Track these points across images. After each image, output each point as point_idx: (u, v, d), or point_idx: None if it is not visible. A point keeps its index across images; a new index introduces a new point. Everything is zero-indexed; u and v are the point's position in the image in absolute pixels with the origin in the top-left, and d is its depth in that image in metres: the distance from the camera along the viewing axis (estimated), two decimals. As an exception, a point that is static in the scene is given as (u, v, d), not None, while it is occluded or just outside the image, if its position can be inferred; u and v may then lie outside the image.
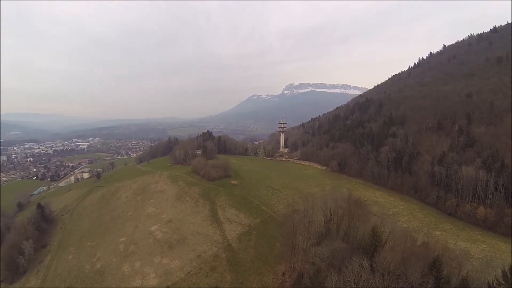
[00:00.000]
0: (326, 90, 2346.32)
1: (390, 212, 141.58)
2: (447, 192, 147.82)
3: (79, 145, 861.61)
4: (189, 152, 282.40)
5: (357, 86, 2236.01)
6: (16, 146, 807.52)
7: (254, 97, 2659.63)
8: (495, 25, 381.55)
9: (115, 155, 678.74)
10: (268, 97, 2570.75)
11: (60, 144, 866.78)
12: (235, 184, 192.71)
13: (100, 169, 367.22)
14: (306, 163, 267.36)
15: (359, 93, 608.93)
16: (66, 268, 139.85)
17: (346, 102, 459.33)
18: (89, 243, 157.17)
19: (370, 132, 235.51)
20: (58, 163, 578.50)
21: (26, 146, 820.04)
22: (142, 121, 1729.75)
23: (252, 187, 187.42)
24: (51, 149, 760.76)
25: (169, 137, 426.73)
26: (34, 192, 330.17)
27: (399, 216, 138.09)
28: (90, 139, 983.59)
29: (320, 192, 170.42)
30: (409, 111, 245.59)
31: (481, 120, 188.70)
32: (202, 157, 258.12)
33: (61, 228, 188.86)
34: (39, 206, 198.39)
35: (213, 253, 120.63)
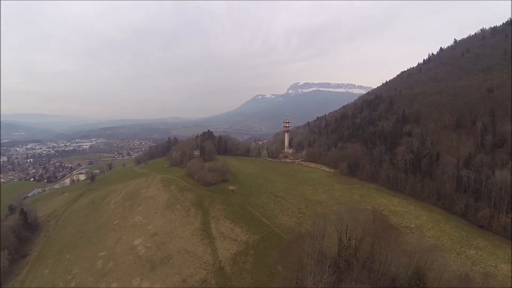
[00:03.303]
0: (331, 89, 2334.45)
1: (413, 225, 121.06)
2: (477, 200, 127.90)
3: (82, 145, 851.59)
4: (186, 153, 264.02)
5: (362, 85, 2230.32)
6: (18, 147, 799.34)
7: (259, 97, 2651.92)
8: (510, 18, 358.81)
9: (117, 156, 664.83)
10: (273, 96, 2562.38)
11: (63, 144, 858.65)
12: (232, 190, 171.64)
13: (97, 171, 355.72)
14: (313, 165, 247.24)
15: (364, 92, 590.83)
16: (40, 285, 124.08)
17: (351, 101, 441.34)
18: (68, 256, 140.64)
19: (383, 131, 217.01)
20: (58, 164, 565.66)
21: (29, 146, 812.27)
22: (147, 121, 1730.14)
23: (252, 194, 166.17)
24: (52, 150, 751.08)
25: (169, 137, 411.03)
26: (28, 194, 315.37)
27: (424, 229, 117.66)
28: (93, 139, 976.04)
29: (330, 199, 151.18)
30: (423, 108, 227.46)
31: (506, 117, 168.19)
32: (199, 158, 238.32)
33: (45, 236, 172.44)
34: (22, 212, 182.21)
35: (201, 277, 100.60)
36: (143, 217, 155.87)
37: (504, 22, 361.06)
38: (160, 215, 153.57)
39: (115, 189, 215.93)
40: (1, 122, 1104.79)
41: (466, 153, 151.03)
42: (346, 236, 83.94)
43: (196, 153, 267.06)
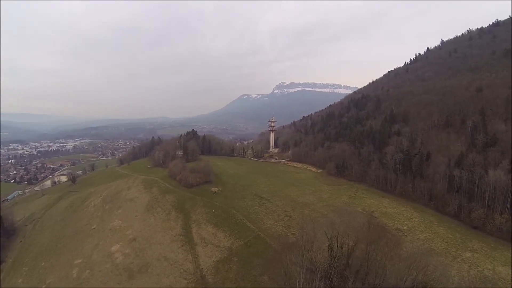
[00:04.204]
0: (317, 89, 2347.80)
1: (405, 227, 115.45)
2: (470, 200, 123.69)
3: (65, 145, 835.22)
4: (170, 154, 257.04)
5: (348, 85, 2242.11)
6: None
7: (245, 97, 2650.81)
8: (497, 19, 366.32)
9: (100, 156, 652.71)
10: (258, 96, 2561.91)
11: (46, 145, 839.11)
12: (215, 192, 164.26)
13: (79, 172, 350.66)
14: (299, 165, 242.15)
15: (350, 92, 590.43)
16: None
17: (338, 101, 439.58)
18: (43, 264, 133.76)
19: (371, 130, 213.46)
20: (40, 165, 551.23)
21: (10, 147, 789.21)
22: (132, 121, 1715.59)
23: (236, 196, 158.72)
24: (35, 150, 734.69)
25: (153, 137, 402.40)
26: (7, 197, 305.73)
27: (417, 232, 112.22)
28: (77, 139, 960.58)
29: (318, 201, 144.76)
30: (412, 107, 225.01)
31: (496, 116, 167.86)
32: (181, 159, 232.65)
33: (21, 241, 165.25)
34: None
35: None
36: (122, 221, 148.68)
37: (491, 23, 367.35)
38: (140, 219, 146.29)
39: (95, 191, 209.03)
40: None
41: (457, 152, 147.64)
42: (337, 243, 76.70)
43: (179, 153, 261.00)
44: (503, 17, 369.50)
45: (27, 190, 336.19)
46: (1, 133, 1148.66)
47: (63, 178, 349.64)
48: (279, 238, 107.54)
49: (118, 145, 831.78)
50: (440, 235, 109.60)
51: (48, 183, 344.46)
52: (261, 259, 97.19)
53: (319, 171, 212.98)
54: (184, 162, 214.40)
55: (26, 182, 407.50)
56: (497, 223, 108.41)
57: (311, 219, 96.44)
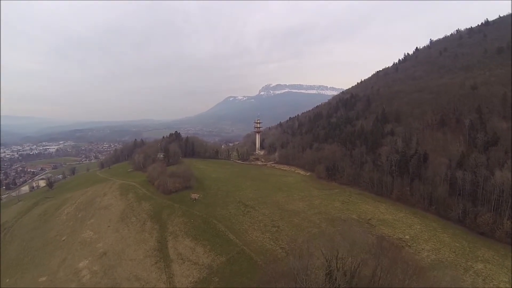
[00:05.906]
0: (303, 91, 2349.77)
1: (407, 236, 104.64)
2: (475, 204, 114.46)
3: (48, 148, 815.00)
4: (150, 157, 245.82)
5: (334, 87, 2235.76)
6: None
7: (231, 99, 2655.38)
8: (487, 18, 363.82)
9: (83, 159, 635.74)
10: (245, 98, 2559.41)
11: (28, 148, 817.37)
12: (195, 199, 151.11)
13: (59, 176, 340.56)
14: (286, 167, 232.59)
15: (336, 93, 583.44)
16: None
17: (325, 101, 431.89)
18: (7, 280, 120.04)
19: (362, 131, 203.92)
20: (20, 169, 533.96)
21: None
22: (118, 123, 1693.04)
23: (218, 203, 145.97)
24: (17, 154, 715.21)
25: (135, 139, 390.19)
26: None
27: (420, 241, 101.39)
28: (61, 142, 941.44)
29: (308, 208, 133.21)
30: (404, 106, 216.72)
31: (493, 114, 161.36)
32: (161, 162, 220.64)
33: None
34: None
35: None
36: (94, 232, 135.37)
37: (480, 23, 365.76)
38: (113, 229, 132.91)
39: (71, 197, 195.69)
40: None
41: (455, 152, 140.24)
42: (337, 266, 62.81)
43: (160, 156, 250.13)
44: (491, 17, 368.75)
45: (4, 196, 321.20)
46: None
47: (42, 183, 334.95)
48: (265, 253, 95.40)
49: (102, 148, 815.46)
50: (446, 244, 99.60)
51: (26, 188, 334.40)
52: (246, 279, 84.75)
53: (308, 174, 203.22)
54: (164, 166, 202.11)
55: (4, 187, 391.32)
56: (506, 229, 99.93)
57: (302, 229, 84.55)
